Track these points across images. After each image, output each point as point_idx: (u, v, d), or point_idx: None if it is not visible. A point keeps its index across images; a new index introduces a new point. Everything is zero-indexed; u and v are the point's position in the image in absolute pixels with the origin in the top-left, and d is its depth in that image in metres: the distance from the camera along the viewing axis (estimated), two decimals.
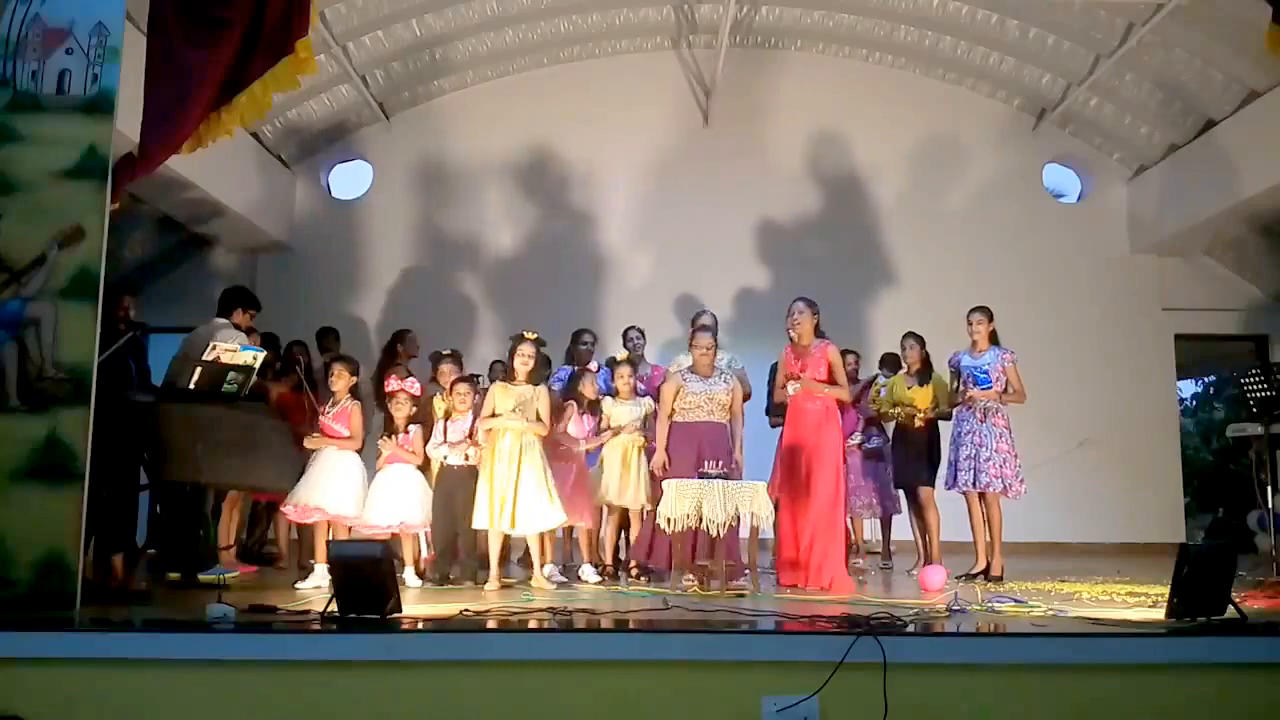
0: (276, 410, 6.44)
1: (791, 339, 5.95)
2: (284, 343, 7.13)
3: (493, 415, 5.62)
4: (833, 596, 5.11)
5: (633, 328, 7.21)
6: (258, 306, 6.19)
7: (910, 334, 6.90)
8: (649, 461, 6.16)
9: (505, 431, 5.58)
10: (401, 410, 5.86)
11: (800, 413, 5.73)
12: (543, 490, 5.53)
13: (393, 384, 5.95)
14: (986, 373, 6.25)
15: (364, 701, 3.33)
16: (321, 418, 5.77)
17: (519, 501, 5.47)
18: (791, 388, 5.69)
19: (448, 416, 5.91)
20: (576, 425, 6.13)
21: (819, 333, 5.88)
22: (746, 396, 6.52)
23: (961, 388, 6.37)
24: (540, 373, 6.07)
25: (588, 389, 6.24)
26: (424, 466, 5.91)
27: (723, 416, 5.90)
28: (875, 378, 7.26)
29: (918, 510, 6.68)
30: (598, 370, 6.52)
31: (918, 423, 6.56)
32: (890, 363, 7.36)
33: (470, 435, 5.78)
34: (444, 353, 6.43)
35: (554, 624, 3.93)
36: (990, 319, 6.38)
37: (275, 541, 7.03)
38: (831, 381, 5.73)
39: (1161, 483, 9.58)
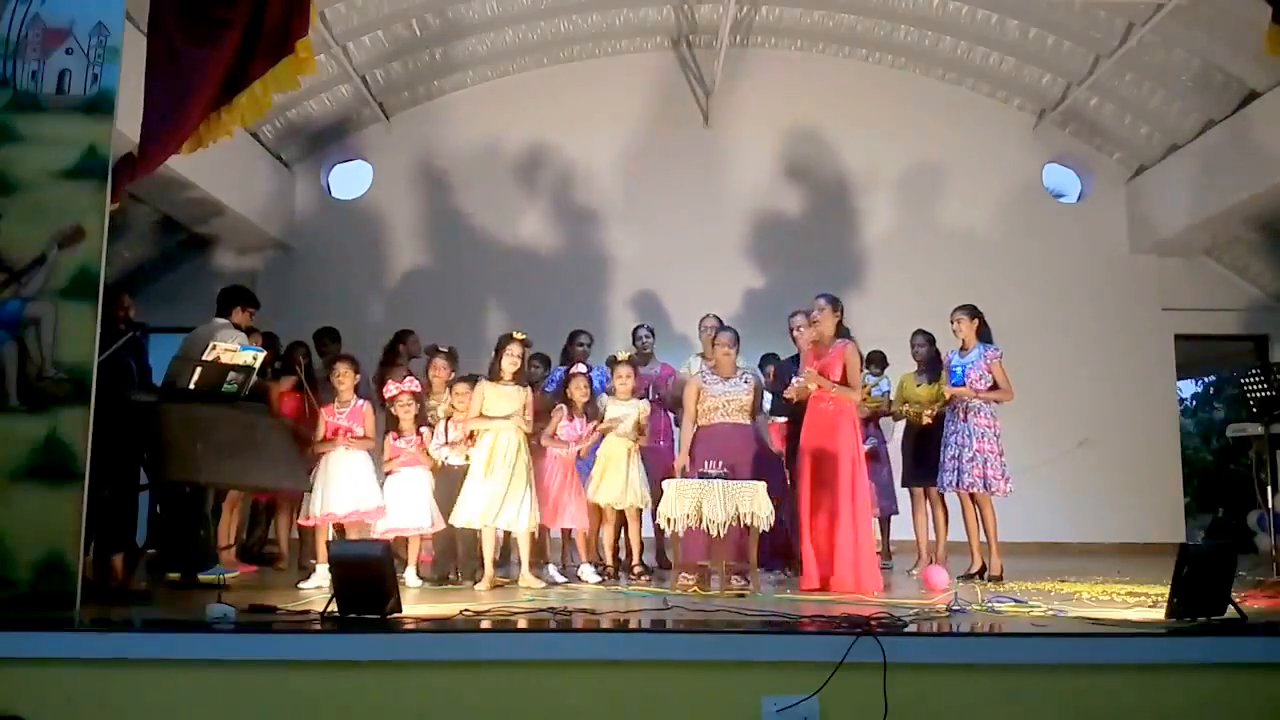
0: (277, 410, 6.44)
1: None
2: (284, 343, 7.13)
3: (480, 414, 5.65)
4: (833, 596, 5.11)
5: (642, 326, 7.22)
6: (256, 304, 6.20)
7: (919, 331, 6.87)
8: (643, 464, 6.16)
9: (503, 431, 5.62)
10: (409, 411, 5.87)
11: (815, 414, 5.60)
12: (531, 490, 5.65)
13: (391, 388, 5.95)
14: (963, 369, 6.23)
15: (364, 701, 3.34)
16: (331, 419, 5.78)
17: (509, 498, 5.54)
18: (800, 380, 5.61)
19: (448, 417, 5.93)
20: (567, 428, 6.09)
21: (842, 331, 5.72)
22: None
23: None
24: (534, 373, 6.08)
25: (577, 393, 6.13)
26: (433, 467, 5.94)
27: (742, 417, 5.82)
28: (877, 382, 7.27)
29: (931, 508, 6.66)
30: (589, 371, 6.49)
31: (925, 420, 6.52)
32: (877, 360, 7.35)
33: (470, 435, 5.79)
34: (440, 348, 6.40)
35: (554, 624, 3.94)
36: (973, 316, 6.30)
37: (275, 541, 7.02)
38: (844, 382, 5.59)
39: (1161, 483, 9.57)
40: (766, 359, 7.04)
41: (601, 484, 6.07)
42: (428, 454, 5.85)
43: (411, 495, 5.73)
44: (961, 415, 6.17)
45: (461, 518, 5.58)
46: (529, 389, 5.93)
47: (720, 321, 6.85)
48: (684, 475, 5.64)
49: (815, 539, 5.49)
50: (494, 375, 5.79)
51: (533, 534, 5.79)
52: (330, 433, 5.75)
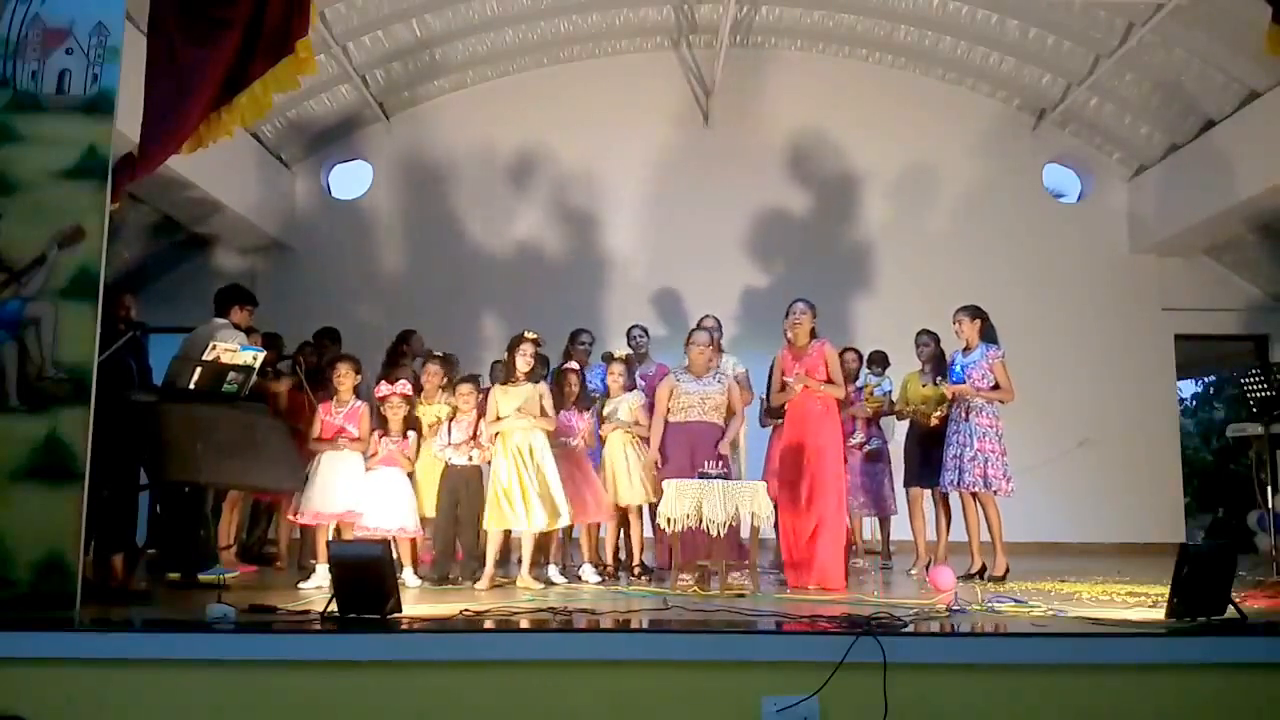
0: (278, 410, 6.44)
1: (789, 339, 5.97)
2: (288, 342, 7.12)
3: (496, 419, 5.65)
4: (831, 596, 5.11)
5: (636, 326, 7.23)
6: (254, 303, 6.18)
7: (924, 330, 6.87)
8: (644, 456, 6.18)
9: (513, 432, 5.61)
10: (398, 413, 5.86)
11: (800, 412, 5.74)
12: (560, 486, 5.64)
13: (383, 389, 5.94)
14: (964, 369, 6.24)
15: (364, 701, 3.33)
16: (328, 418, 5.77)
17: (534, 499, 5.53)
18: (792, 385, 5.70)
19: (451, 418, 5.93)
20: (563, 423, 6.11)
21: (813, 333, 5.91)
22: (748, 400, 6.54)
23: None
24: (538, 372, 6.09)
25: (567, 388, 6.18)
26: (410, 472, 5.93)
27: (715, 417, 5.91)
28: (879, 382, 7.27)
29: (935, 508, 6.67)
30: (583, 370, 6.49)
31: (933, 420, 6.52)
32: (879, 360, 7.35)
33: (474, 436, 5.79)
34: (435, 354, 6.40)
35: (554, 624, 3.94)
36: (975, 317, 6.31)
37: (275, 541, 7.02)
38: (829, 380, 5.77)
39: (1161, 483, 9.58)
40: None
41: (617, 485, 6.09)
42: (408, 458, 5.83)
43: (388, 496, 5.71)
44: (964, 415, 6.18)
45: (497, 523, 5.57)
46: (542, 385, 5.93)
47: (717, 322, 6.88)
48: (657, 470, 5.79)
49: (795, 536, 5.58)
50: (508, 377, 5.79)
51: (536, 536, 5.77)
52: (326, 432, 5.74)
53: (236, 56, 4.58)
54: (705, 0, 9.36)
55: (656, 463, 5.89)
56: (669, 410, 6.00)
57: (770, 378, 6.41)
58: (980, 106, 10.11)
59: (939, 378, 6.53)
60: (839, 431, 5.80)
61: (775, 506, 5.56)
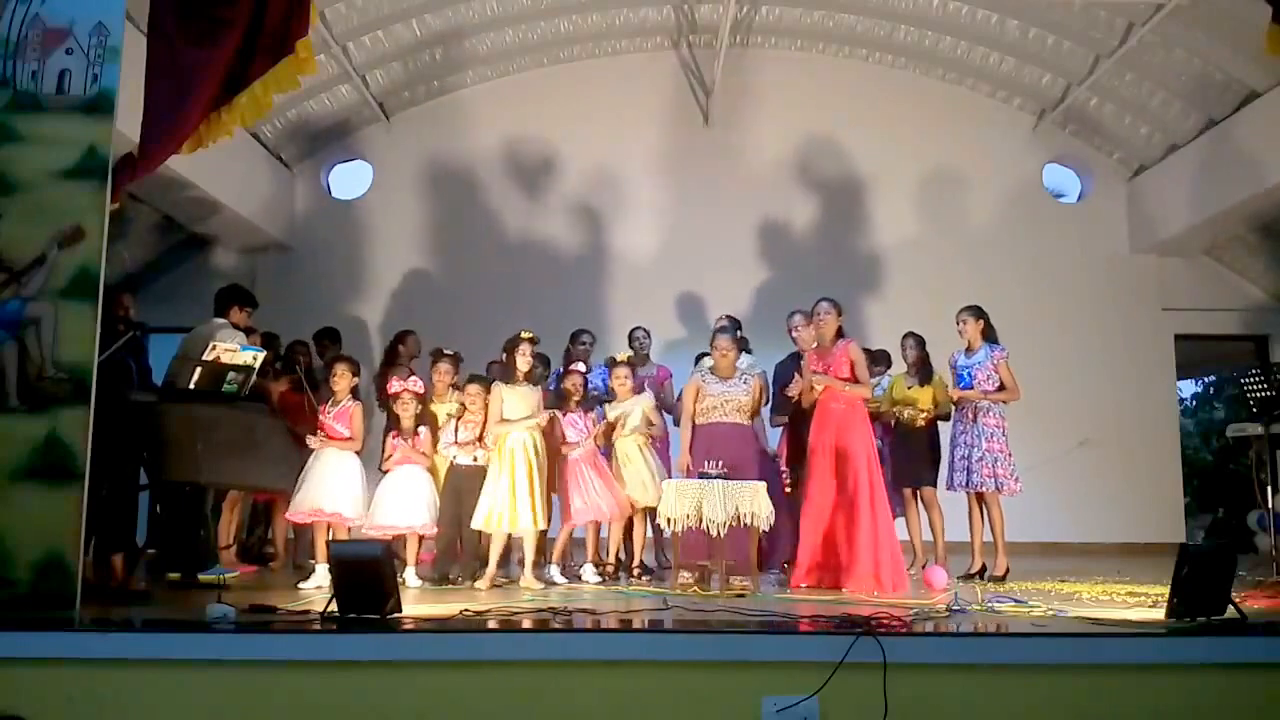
0: (277, 410, 6.44)
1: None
2: (285, 342, 7.13)
3: (502, 418, 5.67)
4: (834, 596, 5.10)
5: (639, 328, 7.22)
6: (254, 304, 6.19)
7: (910, 334, 6.90)
8: (656, 457, 6.17)
9: (522, 433, 5.65)
10: (409, 410, 5.87)
11: (826, 414, 5.64)
12: (536, 491, 5.64)
13: (395, 385, 5.96)
14: (970, 371, 6.25)
15: (364, 701, 3.34)
16: (322, 417, 5.78)
17: (517, 501, 5.55)
18: (818, 381, 5.66)
19: (458, 416, 5.93)
20: (572, 428, 6.12)
21: (840, 332, 5.82)
22: (767, 400, 6.54)
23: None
24: (538, 372, 6.10)
25: (571, 388, 6.19)
26: (430, 468, 5.93)
27: (740, 418, 5.84)
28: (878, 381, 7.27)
29: (924, 510, 6.68)
30: (587, 371, 6.50)
31: (920, 422, 6.55)
32: (881, 359, 7.36)
33: (480, 438, 5.80)
34: (446, 352, 6.42)
35: (554, 624, 3.94)
36: (979, 317, 6.35)
37: (272, 541, 7.02)
38: (854, 379, 5.67)
39: (1161, 483, 9.58)
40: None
41: (626, 485, 6.08)
42: (424, 454, 5.84)
43: (406, 494, 5.73)
44: (970, 416, 6.21)
45: (480, 521, 5.61)
46: (539, 388, 5.96)
47: (733, 322, 6.85)
48: (686, 474, 5.66)
49: (825, 538, 5.50)
50: (509, 377, 5.80)
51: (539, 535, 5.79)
52: (319, 431, 5.74)
53: (236, 56, 4.58)
54: (705, 0, 9.37)
55: (688, 466, 5.78)
56: (695, 412, 5.91)
57: (776, 377, 6.40)
58: (980, 106, 10.11)
59: (929, 379, 6.55)
60: (868, 430, 5.66)
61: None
